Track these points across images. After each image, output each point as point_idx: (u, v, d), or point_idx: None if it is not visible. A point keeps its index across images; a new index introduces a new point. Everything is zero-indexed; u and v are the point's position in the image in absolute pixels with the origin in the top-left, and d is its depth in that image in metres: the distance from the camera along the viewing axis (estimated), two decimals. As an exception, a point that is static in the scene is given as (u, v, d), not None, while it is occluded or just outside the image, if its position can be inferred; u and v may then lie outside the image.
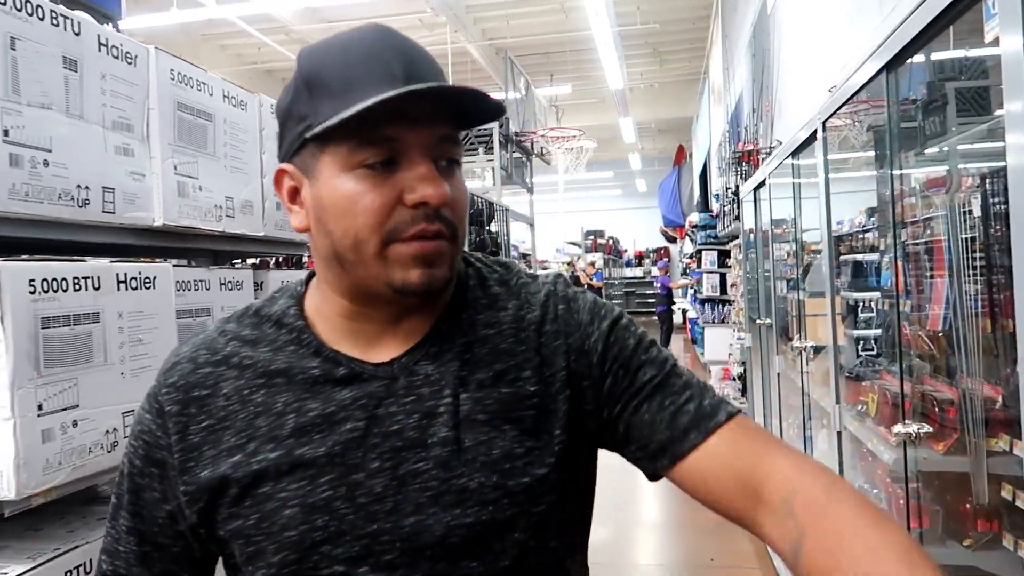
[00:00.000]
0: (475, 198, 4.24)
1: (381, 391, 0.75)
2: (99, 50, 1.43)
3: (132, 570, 0.80)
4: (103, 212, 1.42)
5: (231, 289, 1.85)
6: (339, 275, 0.76)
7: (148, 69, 1.57)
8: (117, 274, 1.40)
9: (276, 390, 0.76)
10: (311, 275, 0.84)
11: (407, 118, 0.71)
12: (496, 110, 0.75)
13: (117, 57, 1.48)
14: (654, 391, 0.77)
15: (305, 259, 3.93)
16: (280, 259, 3.75)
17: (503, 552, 0.74)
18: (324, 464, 0.73)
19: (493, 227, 4.63)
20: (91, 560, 1.30)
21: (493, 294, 0.82)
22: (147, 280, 1.48)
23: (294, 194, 0.77)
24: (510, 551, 0.74)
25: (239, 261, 2.45)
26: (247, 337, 0.80)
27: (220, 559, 0.82)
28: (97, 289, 1.34)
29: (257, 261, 2.83)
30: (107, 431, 1.35)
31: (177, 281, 1.62)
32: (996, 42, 1.10)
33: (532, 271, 0.90)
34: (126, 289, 1.42)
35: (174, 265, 1.62)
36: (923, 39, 1.52)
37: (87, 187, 1.38)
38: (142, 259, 1.55)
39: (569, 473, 0.77)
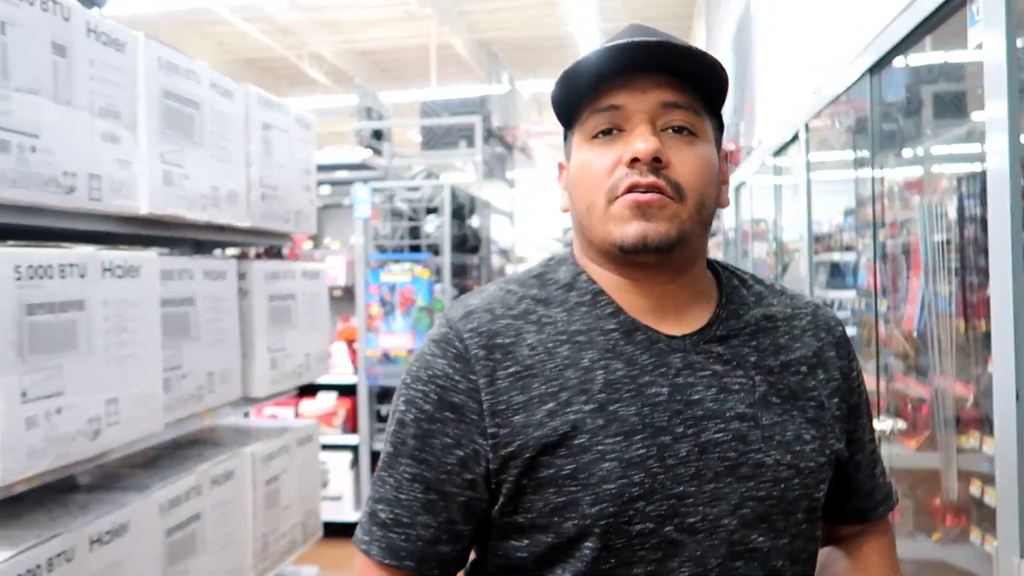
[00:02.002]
0: (455, 192, 4.24)
1: (678, 362, 0.78)
2: (88, 36, 1.42)
3: (416, 518, 0.79)
4: (90, 199, 1.42)
5: (214, 279, 1.85)
6: (588, 247, 0.83)
7: (136, 56, 1.56)
8: (102, 262, 1.39)
9: (580, 346, 0.79)
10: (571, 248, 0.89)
11: (630, 87, 0.77)
12: (711, 66, 0.78)
13: (106, 44, 1.47)
14: (864, 448, 0.89)
15: (285, 251, 3.91)
16: (261, 250, 3.74)
17: (784, 530, 0.78)
18: (636, 423, 0.75)
19: (474, 221, 4.64)
20: (74, 548, 1.30)
21: (757, 292, 0.87)
22: (132, 269, 1.47)
23: (565, 183, 0.86)
24: (790, 531, 0.78)
25: (220, 251, 2.44)
26: (538, 296, 0.83)
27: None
28: (83, 277, 1.34)
29: (239, 251, 2.82)
30: (90, 419, 1.35)
31: (162, 270, 1.62)
32: (980, 47, 1.13)
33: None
34: (111, 277, 1.41)
35: (158, 254, 1.62)
36: (908, 42, 1.56)
37: (74, 174, 1.37)
38: (127, 247, 1.54)
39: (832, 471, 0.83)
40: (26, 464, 1.22)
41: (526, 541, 0.78)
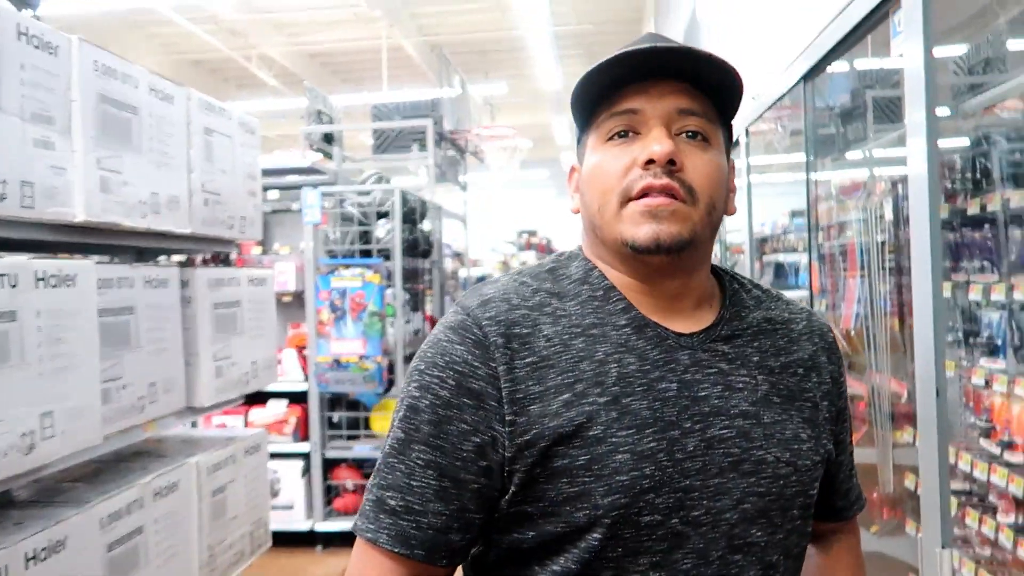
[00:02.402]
0: (407, 196, 4.22)
1: (686, 359, 0.81)
2: (18, 39, 1.39)
3: (429, 505, 0.78)
4: (21, 207, 1.38)
5: (156, 287, 1.81)
6: (599, 246, 0.84)
7: (70, 60, 1.53)
8: (35, 271, 1.36)
9: (594, 340, 0.80)
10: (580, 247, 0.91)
11: (647, 93, 0.79)
12: (727, 73, 0.80)
13: (38, 47, 1.44)
14: (846, 450, 0.94)
15: (233, 257, 3.85)
16: (207, 256, 3.67)
17: (781, 526, 0.81)
18: (647, 417, 0.77)
19: (426, 225, 4.62)
20: (7, 565, 1.27)
21: (756, 296, 0.90)
22: (67, 278, 1.44)
23: (576, 185, 0.88)
24: (786, 526, 0.81)
25: (165, 258, 2.40)
26: (551, 290, 0.84)
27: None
28: (14, 287, 1.30)
29: (184, 258, 2.76)
30: (23, 433, 1.31)
31: (99, 279, 1.58)
32: (901, 56, 1.17)
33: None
34: (45, 287, 1.38)
35: (96, 262, 1.59)
36: (837, 52, 1.60)
37: (4, 181, 1.34)
38: (62, 255, 1.51)
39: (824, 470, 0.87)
40: (-45, 481, 1.18)
41: (532, 533, 0.79)
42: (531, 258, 16.06)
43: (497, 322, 0.80)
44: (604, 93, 0.82)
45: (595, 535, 0.76)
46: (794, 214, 3.57)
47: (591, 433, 0.76)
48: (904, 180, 1.91)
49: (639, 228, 0.78)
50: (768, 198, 3.51)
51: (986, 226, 1.78)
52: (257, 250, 4.52)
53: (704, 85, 0.81)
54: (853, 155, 2.43)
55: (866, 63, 2.10)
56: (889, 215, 2.17)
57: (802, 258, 2.98)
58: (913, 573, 1.84)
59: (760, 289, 0.92)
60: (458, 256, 8.45)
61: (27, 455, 1.32)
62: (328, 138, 4.93)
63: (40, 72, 1.44)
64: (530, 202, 22.72)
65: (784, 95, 2.05)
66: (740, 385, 0.81)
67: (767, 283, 3.48)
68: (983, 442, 1.74)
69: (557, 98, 12.24)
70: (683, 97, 0.80)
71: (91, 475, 1.76)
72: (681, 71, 0.79)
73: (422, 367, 0.81)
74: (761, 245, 4.57)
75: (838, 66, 1.97)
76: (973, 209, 1.76)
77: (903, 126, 2.23)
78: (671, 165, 0.78)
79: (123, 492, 1.63)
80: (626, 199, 0.79)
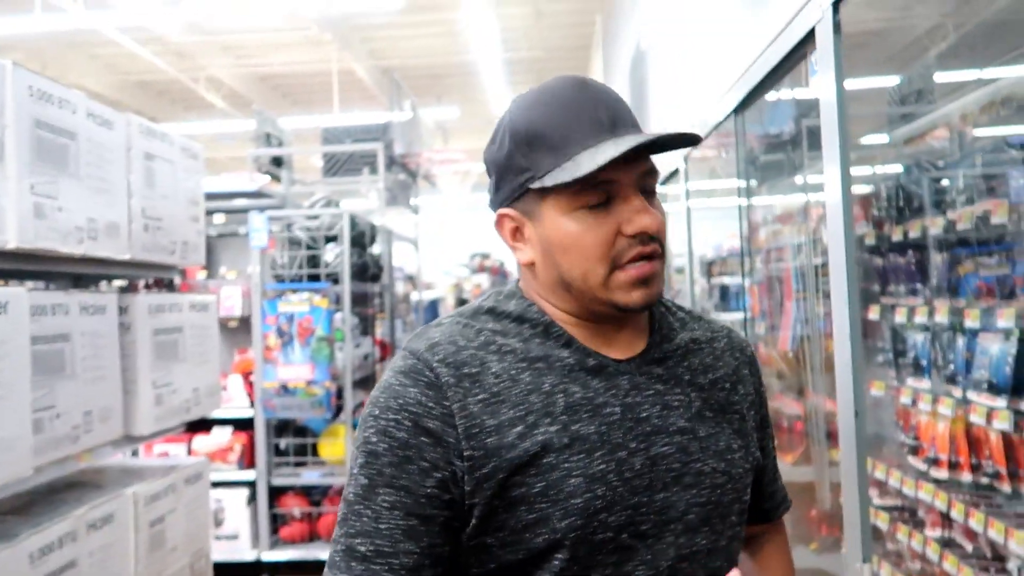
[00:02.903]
0: (356, 220, 4.21)
1: (626, 383, 0.86)
2: (-52, 65, 1.37)
3: (398, 546, 0.80)
4: (-51, 234, 1.35)
5: (93, 314, 1.78)
6: (566, 298, 0.87)
7: (3, 85, 1.51)
8: (-36, 299, 1.33)
9: (540, 372, 0.84)
10: (517, 283, 0.94)
11: (620, 162, 0.81)
12: (696, 140, 0.84)
13: (-32, 72, 1.42)
14: (769, 455, 1.00)
15: (178, 282, 3.79)
16: (150, 282, 3.61)
17: (722, 532, 0.86)
18: (596, 441, 0.81)
19: (375, 249, 4.61)
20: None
21: (680, 318, 0.96)
22: (-2, 305, 1.41)
23: (515, 233, 0.89)
24: (727, 532, 0.87)
25: (106, 284, 2.35)
26: (494, 328, 0.87)
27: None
28: (-59, 316, 1.27)
29: (126, 283, 2.71)
30: (-50, 466, 1.27)
31: (32, 305, 1.55)
32: (818, 92, 1.23)
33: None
34: (-26, 315, 1.35)
35: (30, 289, 1.56)
36: (764, 86, 1.67)
37: (-69, 208, 1.31)
38: (-7, 283, 1.47)
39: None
40: None
41: (493, 564, 0.82)
42: (484, 281, 16.10)
43: (447, 364, 0.83)
44: (590, 170, 0.81)
45: (557, 557, 0.79)
46: (741, 237, 3.65)
47: (545, 461, 0.80)
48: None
49: (631, 294, 0.83)
50: (715, 221, 3.60)
51: (910, 251, 1.86)
52: (202, 275, 4.45)
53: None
54: (790, 181, 2.51)
55: (796, 93, 2.19)
56: (825, 239, 2.25)
57: (743, 281, 3.06)
58: (848, 588, 1.89)
59: (684, 311, 0.98)
60: (410, 279, 8.43)
61: (-48, 489, 1.28)
62: (277, 161, 4.90)
63: (-28, 97, 1.42)
64: (482, 225, 22.79)
65: (719, 125, 2.12)
66: (676, 403, 0.87)
67: (713, 305, 3.56)
68: (911, 459, 1.80)
69: (509, 122, 12.28)
70: (646, 161, 0.85)
71: (23, 508, 1.71)
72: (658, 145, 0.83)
73: (376, 412, 0.84)
74: (709, 268, 4.67)
75: (770, 97, 2.05)
76: (897, 236, 1.84)
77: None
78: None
79: (55, 524, 1.59)
80: (616, 266, 0.83)
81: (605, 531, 0.80)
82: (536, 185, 0.83)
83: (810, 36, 1.24)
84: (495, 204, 0.91)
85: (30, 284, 1.96)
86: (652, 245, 0.83)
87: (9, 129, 1.51)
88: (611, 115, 0.84)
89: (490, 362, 0.84)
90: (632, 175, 0.83)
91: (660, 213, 0.85)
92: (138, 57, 9.51)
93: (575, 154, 0.82)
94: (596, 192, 0.82)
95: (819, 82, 1.19)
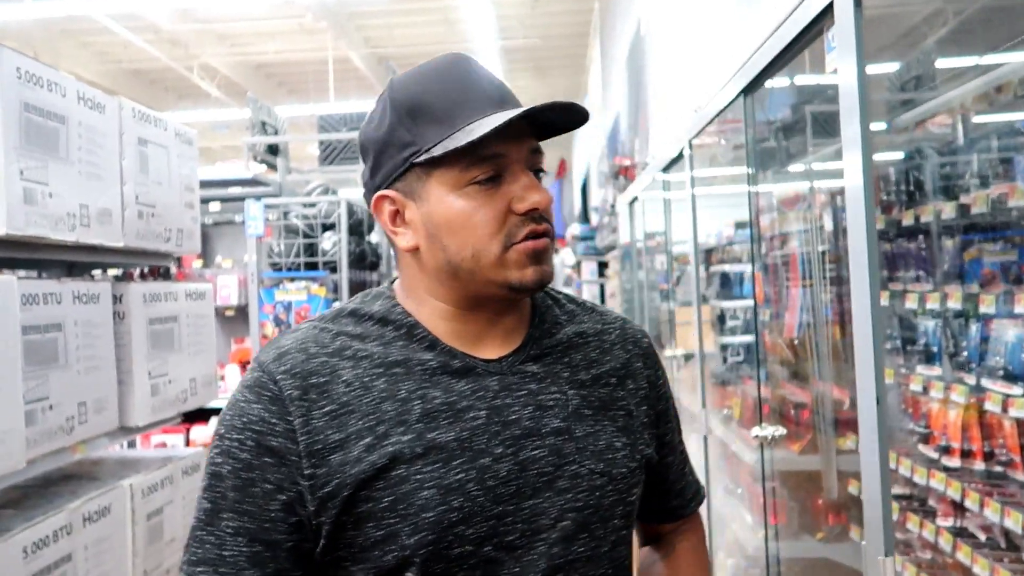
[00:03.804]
0: (353, 208, 4.17)
1: (495, 384, 0.81)
2: (-68, 44, 1.32)
3: (243, 573, 0.75)
4: (-64, 220, 1.31)
5: (86, 303, 1.74)
6: (452, 286, 0.82)
7: (-9, 67, 1.46)
8: (-48, 287, 1.29)
9: (397, 378, 0.80)
10: (392, 283, 0.91)
11: (509, 137, 0.78)
12: (584, 118, 0.82)
13: (-46, 53, 1.37)
14: (675, 450, 0.96)
15: (174, 271, 3.74)
16: (145, 270, 3.56)
17: (604, 538, 0.82)
18: (455, 448, 0.77)
19: (373, 237, 4.57)
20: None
21: (570, 311, 0.92)
22: (-13, 294, 1.37)
23: (395, 217, 0.83)
24: (609, 537, 0.82)
25: (100, 272, 2.31)
26: (352, 332, 0.83)
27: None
28: (-73, 304, 1.23)
29: (120, 272, 2.67)
30: (-61, 459, 1.24)
31: (24, 294, 1.51)
32: (835, 72, 1.19)
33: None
34: (-38, 304, 1.30)
35: (21, 277, 1.51)
36: (775, 67, 1.63)
37: (-84, 193, 1.26)
38: (-18, 271, 1.43)
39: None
40: None
41: None
42: (481, 270, 15.92)
43: (292, 375, 0.79)
44: (479, 142, 0.78)
45: (407, 575, 0.75)
46: (738, 225, 3.63)
47: (395, 473, 0.76)
48: (843, 192, 1.95)
49: (525, 271, 0.79)
50: (713, 209, 3.56)
51: (920, 237, 1.83)
52: (198, 263, 4.41)
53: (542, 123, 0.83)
54: (794, 168, 2.47)
55: (805, 79, 2.15)
56: (829, 226, 2.22)
57: (746, 268, 3.03)
58: (857, 578, 1.87)
59: (575, 303, 0.95)
60: (407, 269, 8.38)
61: (-59, 483, 1.24)
62: (273, 149, 4.85)
63: (-42, 78, 1.37)
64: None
65: (725, 108, 2.08)
66: (551, 403, 0.82)
67: (713, 292, 3.53)
68: (922, 447, 1.78)
69: (505, 111, 12.20)
70: (532, 138, 0.82)
71: (16, 501, 1.67)
72: (533, 115, 0.79)
73: (222, 431, 0.80)
74: (708, 256, 4.64)
75: (778, 81, 2.01)
76: (908, 220, 1.81)
77: (839, 140, 2.29)
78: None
79: (49, 518, 1.56)
80: (509, 244, 0.79)
81: (463, 544, 0.76)
82: (423, 158, 0.78)
83: (827, 11, 1.20)
84: (372, 188, 0.85)
85: (21, 273, 1.91)
86: (544, 225, 0.81)
87: (-3, 112, 1.46)
88: (499, 91, 0.81)
89: (342, 370, 0.80)
90: (522, 151, 0.80)
91: (549, 197, 0.82)
92: (131, 45, 9.42)
93: (464, 125, 0.78)
94: (486, 166, 0.78)
95: (836, 60, 1.15)
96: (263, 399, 0.78)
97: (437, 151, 0.77)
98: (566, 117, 0.81)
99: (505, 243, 0.79)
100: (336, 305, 0.89)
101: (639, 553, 0.99)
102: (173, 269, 3.60)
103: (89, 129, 1.74)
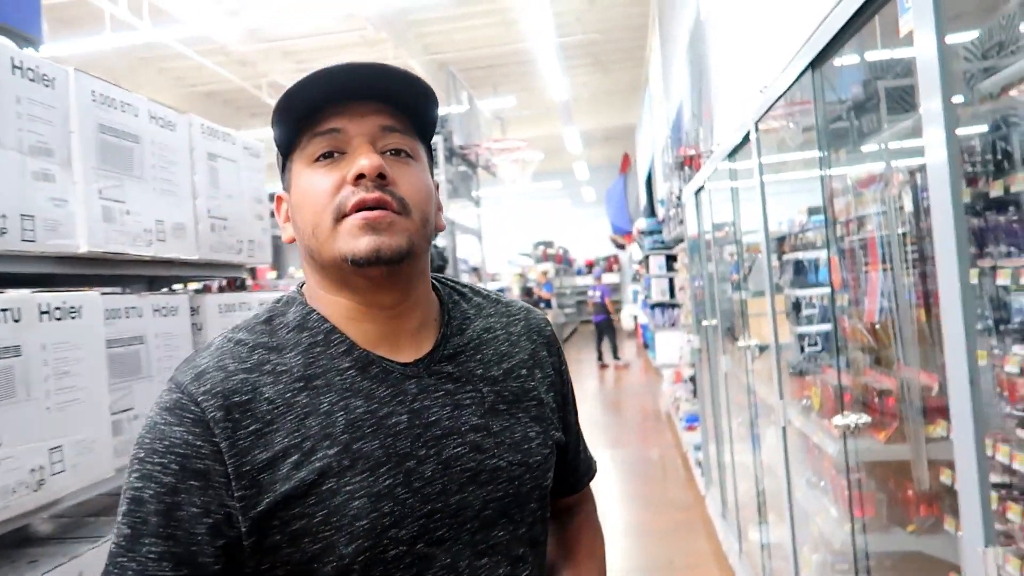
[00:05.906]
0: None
1: (413, 388, 0.82)
2: (13, 73, 1.38)
3: None
4: (22, 240, 1.37)
5: (166, 315, 1.80)
6: (317, 270, 0.84)
7: (68, 91, 1.52)
8: (39, 304, 1.34)
9: (318, 391, 0.80)
10: (301, 286, 0.90)
11: (348, 113, 0.80)
12: (424, 90, 0.84)
13: (33, 80, 1.43)
14: (572, 430, 1.00)
15: (249, 282, 3.85)
16: (223, 283, 3.68)
17: (522, 521, 0.86)
18: (380, 456, 0.78)
19: (439, 241, 4.61)
20: (21, 604, 1.24)
21: (477, 304, 0.94)
22: (72, 310, 1.42)
23: (286, 214, 0.87)
24: (527, 519, 0.86)
25: (181, 286, 2.39)
26: (269, 344, 0.82)
27: None
28: (17, 321, 1.29)
29: (200, 286, 2.76)
30: (32, 469, 1.29)
31: (107, 309, 1.57)
32: (909, 36, 1.13)
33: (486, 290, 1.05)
34: (49, 320, 1.36)
35: (104, 293, 1.57)
36: (844, 37, 1.56)
37: (3, 215, 1.33)
38: (67, 288, 1.49)
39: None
40: (-36, 520, 1.16)
41: None
42: (549, 269, 15.98)
43: (213, 395, 0.77)
44: (305, 115, 0.81)
45: None
46: (811, 211, 3.52)
47: (325, 487, 0.76)
48: (922, 169, 1.86)
49: (358, 241, 0.78)
50: (783, 195, 3.46)
51: (1011, 209, 1.73)
52: (272, 275, 4.53)
53: (402, 105, 0.83)
54: (868, 147, 2.37)
55: (875, 54, 2.06)
56: (908, 206, 2.12)
57: (821, 254, 2.92)
58: (955, 572, 1.77)
59: (481, 295, 0.96)
60: (475, 271, 8.45)
61: (36, 491, 1.30)
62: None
63: (37, 104, 1.43)
64: (544, 213, 22.74)
65: (792, 85, 2.01)
66: (468, 401, 0.84)
67: (787, 281, 3.42)
68: (1021, 432, 1.67)
69: (566, 109, 12.22)
70: (384, 116, 0.82)
71: (106, 509, 1.74)
72: (379, 90, 0.81)
73: (142, 455, 0.77)
74: (780, 244, 4.51)
75: (847, 58, 1.93)
76: (996, 192, 1.71)
77: (917, 115, 2.18)
78: (381, 179, 0.79)
79: (139, 524, 1.61)
80: (340, 215, 0.79)
81: (398, 546, 0.77)
82: (280, 152, 0.84)
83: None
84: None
85: (102, 289, 2.00)
86: (377, 193, 0.78)
87: (75, 135, 1.52)
88: (355, 76, 0.80)
89: (263, 387, 0.78)
90: (364, 127, 0.81)
91: (410, 174, 0.82)
92: (204, 68, 9.78)
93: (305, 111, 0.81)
94: (321, 140, 0.80)
95: (912, 23, 1.08)
96: (185, 422, 0.76)
97: (275, 134, 0.82)
98: (405, 89, 0.82)
99: (335, 214, 0.79)
100: (250, 314, 0.89)
101: None
102: (248, 281, 3.70)
103: (161, 147, 1.80)
